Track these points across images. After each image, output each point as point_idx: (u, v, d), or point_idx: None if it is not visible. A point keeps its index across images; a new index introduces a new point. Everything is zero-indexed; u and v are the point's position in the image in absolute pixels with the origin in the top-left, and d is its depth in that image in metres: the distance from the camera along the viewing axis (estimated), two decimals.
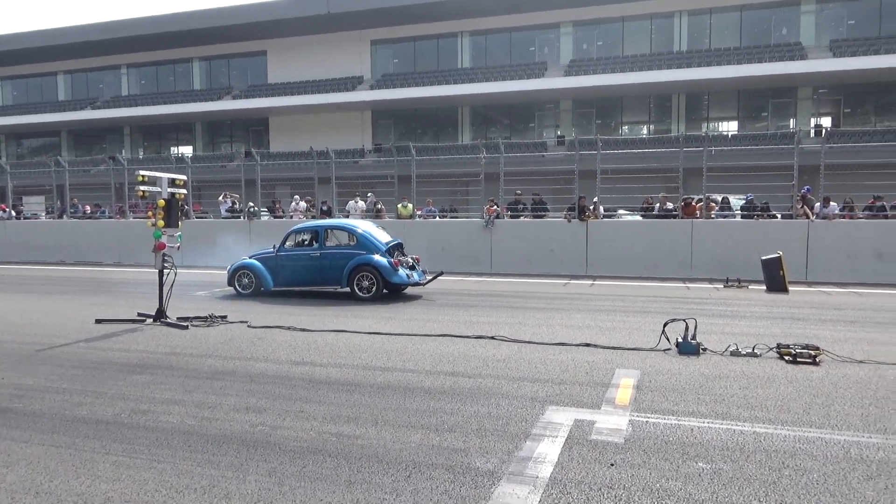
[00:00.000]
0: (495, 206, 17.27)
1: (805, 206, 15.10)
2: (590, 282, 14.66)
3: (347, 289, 11.83)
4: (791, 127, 28.80)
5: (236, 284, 12.53)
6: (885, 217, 14.91)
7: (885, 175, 16.37)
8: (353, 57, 34.59)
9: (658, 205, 16.85)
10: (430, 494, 3.74)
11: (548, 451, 4.36)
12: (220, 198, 21.47)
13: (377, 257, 11.68)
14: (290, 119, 35.17)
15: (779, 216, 15.95)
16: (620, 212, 18.39)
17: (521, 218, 17.50)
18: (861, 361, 6.80)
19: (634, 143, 28.59)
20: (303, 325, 9.06)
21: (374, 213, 19.30)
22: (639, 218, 17.03)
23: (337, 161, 18.92)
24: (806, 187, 15.73)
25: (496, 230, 16.77)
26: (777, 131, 28.56)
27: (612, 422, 4.95)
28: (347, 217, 18.76)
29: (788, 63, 26.76)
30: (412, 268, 12.29)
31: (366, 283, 11.71)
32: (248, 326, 9.05)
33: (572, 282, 14.70)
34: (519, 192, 18.19)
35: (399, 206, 18.51)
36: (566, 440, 4.58)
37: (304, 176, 23.18)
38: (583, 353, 7.23)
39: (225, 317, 9.66)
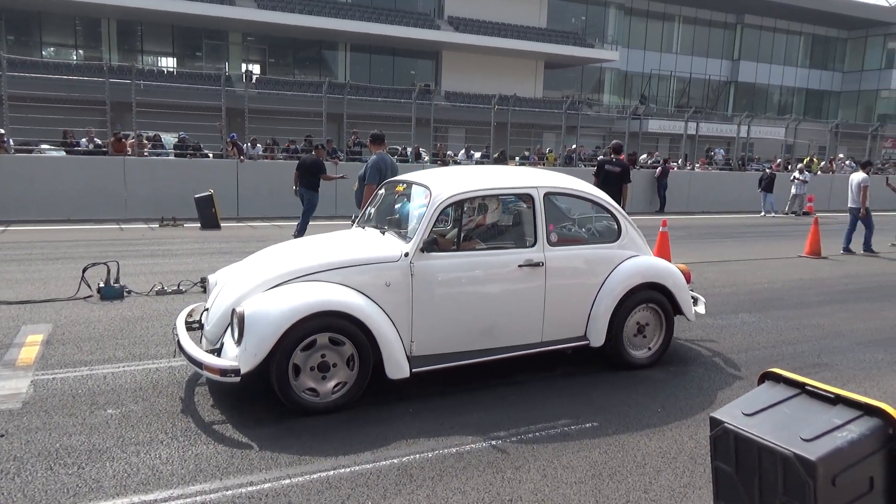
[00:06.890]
0: None
1: (234, 147, 16.06)
2: (1, 228, 12.49)
3: None
4: (225, 70, 30.02)
5: None
6: (298, 158, 17.10)
7: (299, 121, 18.67)
8: None
9: (85, 140, 15.39)
10: None
11: None
12: None
13: None
14: None
15: (210, 155, 16.58)
16: (44, 146, 16.10)
17: None
18: None
19: (57, 69, 25.20)
20: None
21: None
22: (63, 153, 15.24)
23: None
24: (232, 134, 16.56)
25: None
26: (213, 72, 29.44)
27: (8, 387, 4.37)
28: None
29: (218, 6, 27.59)
30: None
31: None
32: None
33: None
34: None
35: None
36: None
37: None
38: None
39: None
